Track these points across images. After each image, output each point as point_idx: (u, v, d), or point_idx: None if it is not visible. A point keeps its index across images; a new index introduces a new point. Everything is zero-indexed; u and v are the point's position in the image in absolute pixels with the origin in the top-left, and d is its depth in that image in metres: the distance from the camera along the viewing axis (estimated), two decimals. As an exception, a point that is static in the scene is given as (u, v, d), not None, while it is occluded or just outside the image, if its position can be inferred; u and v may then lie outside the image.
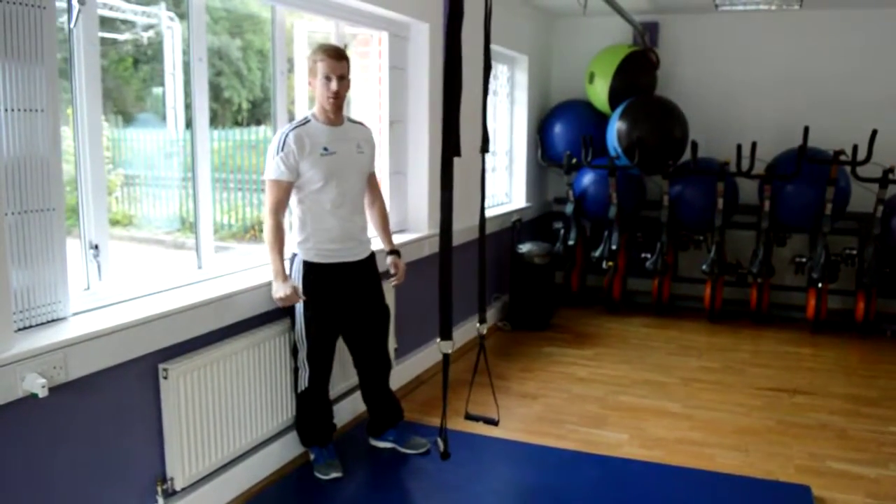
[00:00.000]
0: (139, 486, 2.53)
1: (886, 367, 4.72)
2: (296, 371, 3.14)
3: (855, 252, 5.48)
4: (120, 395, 2.42)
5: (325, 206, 2.98)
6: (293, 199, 3.02)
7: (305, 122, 2.99)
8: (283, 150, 2.89)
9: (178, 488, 2.63)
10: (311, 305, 3.02)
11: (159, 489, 2.57)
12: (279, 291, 2.91)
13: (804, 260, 5.59)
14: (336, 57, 2.90)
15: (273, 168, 2.90)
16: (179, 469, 2.62)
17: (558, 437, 3.62)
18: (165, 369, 2.55)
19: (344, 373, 3.49)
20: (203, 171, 3.01)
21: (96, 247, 2.51)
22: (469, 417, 2.79)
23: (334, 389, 3.34)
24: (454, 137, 2.23)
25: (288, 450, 3.24)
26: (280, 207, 2.92)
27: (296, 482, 3.14)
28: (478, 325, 2.78)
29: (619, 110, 5.73)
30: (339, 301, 3.08)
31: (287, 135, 2.91)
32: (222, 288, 2.89)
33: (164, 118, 3.41)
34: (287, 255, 3.14)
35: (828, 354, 5.00)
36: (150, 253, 3.72)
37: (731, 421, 3.84)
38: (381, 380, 3.36)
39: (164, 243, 3.72)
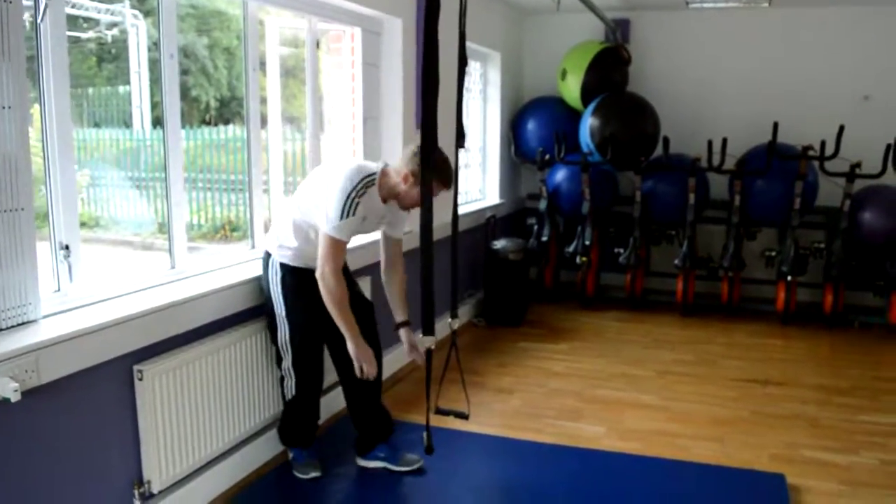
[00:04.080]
0: (115, 489, 2.49)
1: (855, 358, 4.82)
2: (281, 380, 3.09)
3: (823, 246, 5.60)
4: (94, 397, 2.38)
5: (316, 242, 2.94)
6: (293, 216, 2.99)
7: (371, 184, 2.91)
8: (350, 215, 2.83)
9: (155, 491, 2.59)
10: (296, 310, 2.97)
11: (136, 492, 2.53)
12: (364, 355, 2.95)
13: (774, 254, 5.68)
14: (448, 186, 2.87)
15: (338, 229, 2.82)
16: (156, 471, 2.58)
17: (536, 431, 3.63)
18: (140, 371, 2.51)
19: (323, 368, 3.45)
20: (176, 171, 2.96)
21: (67, 247, 2.46)
22: (439, 412, 2.81)
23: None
24: (433, 133, 2.23)
25: (266, 449, 3.22)
26: (341, 267, 2.90)
27: (274, 482, 3.11)
28: (450, 320, 2.80)
29: (591, 107, 5.77)
30: (322, 307, 2.95)
31: (356, 201, 2.84)
32: (196, 288, 2.85)
33: (129, 117, 3.36)
34: (259, 253, 3.11)
35: (798, 346, 5.09)
36: (119, 254, 3.67)
37: (706, 412, 3.89)
38: (370, 395, 3.21)
39: (132, 244, 3.66)
